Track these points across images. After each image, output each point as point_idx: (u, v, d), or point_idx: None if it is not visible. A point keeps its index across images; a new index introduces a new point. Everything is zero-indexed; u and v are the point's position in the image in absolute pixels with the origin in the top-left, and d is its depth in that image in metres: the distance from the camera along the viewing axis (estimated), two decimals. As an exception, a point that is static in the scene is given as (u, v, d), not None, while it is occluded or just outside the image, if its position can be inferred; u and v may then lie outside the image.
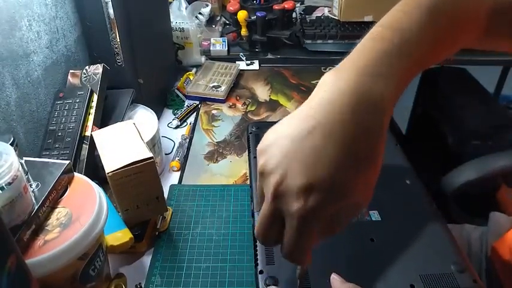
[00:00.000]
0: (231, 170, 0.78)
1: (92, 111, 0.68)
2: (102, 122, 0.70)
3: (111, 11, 0.72)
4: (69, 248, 0.42)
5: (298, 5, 1.35)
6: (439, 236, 0.54)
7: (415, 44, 0.36)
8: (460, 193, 0.88)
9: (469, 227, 0.78)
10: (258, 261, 0.51)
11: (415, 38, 0.36)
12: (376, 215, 0.57)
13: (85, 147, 0.65)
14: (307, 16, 1.27)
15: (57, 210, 0.47)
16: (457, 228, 0.77)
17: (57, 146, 0.64)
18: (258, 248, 0.52)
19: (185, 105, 0.97)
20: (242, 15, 1.09)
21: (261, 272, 0.49)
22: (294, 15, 1.22)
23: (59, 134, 0.65)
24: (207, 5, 1.18)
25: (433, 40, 0.38)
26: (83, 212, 0.46)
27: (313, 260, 0.51)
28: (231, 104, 0.98)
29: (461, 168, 0.90)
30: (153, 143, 0.70)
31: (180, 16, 1.04)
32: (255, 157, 0.68)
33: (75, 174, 0.51)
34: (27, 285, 0.38)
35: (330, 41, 1.15)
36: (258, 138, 0.73)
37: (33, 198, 0.44)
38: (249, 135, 0.75)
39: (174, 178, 0.76)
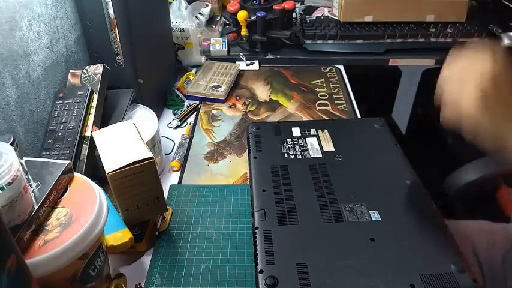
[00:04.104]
0: (231, 170, 0.78)
1: (92, 111, 0.68)
2: (102, 122, 0.70)
3: (111, 11, 0.72)
4: (69, 248, 0.42)
5: (298, 5, 1.35)
6: (439, 235, 0.54)
7: None
8: (463, 194, 0.88)
9: None
10: (258, 261, 0.51)
11: None
12: (376, 215, 0.57)
13: (85, 147, 0.66)
14: (307, 16, 1.27)
15: (57, 210, 0.47)
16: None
17: (57, 146, 0.64)
18: (258, 248, 0.52)
19: (185, 105, 0.97)
20: (242, 15, 1.09)
21: (261, 271, 0.49)
22: (294, 15, 1.22)
23: (59, 134, 0.66)
24: (207, 5, 1.18)
25: None
26: (83, 212, 0.46)
27: (313, 259, 0.51)
28: (231, 104, 0.98)
29: (463, 169, 0.90)
30: (153, 143, 0.70)
31: (180, 16, 1.04)
32: (255, 157, 0.68)
33: (75, 174, 0.51)
34: (27, 285, 0.38)
35: (330, 41, 1.15)
36: (258, 138, 0.73)
37: (33, 198, 0.44)
38: (249, 135, 0.75)
39: (174, 178, 0.76)
